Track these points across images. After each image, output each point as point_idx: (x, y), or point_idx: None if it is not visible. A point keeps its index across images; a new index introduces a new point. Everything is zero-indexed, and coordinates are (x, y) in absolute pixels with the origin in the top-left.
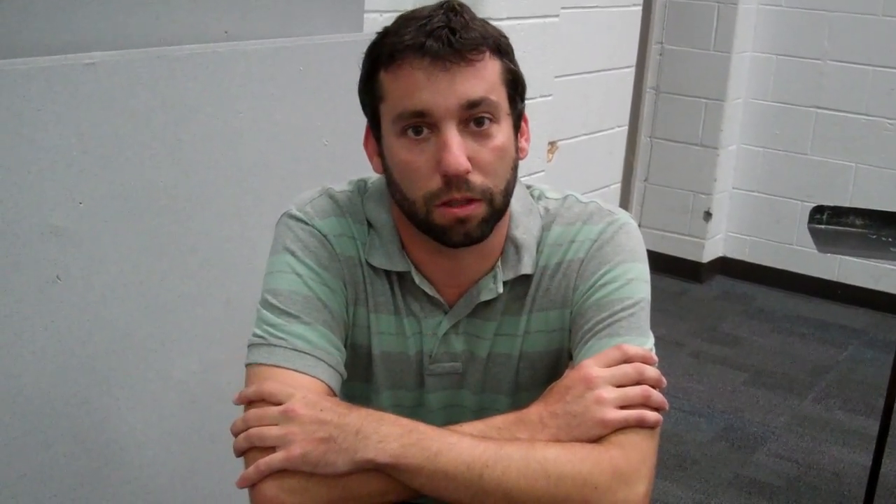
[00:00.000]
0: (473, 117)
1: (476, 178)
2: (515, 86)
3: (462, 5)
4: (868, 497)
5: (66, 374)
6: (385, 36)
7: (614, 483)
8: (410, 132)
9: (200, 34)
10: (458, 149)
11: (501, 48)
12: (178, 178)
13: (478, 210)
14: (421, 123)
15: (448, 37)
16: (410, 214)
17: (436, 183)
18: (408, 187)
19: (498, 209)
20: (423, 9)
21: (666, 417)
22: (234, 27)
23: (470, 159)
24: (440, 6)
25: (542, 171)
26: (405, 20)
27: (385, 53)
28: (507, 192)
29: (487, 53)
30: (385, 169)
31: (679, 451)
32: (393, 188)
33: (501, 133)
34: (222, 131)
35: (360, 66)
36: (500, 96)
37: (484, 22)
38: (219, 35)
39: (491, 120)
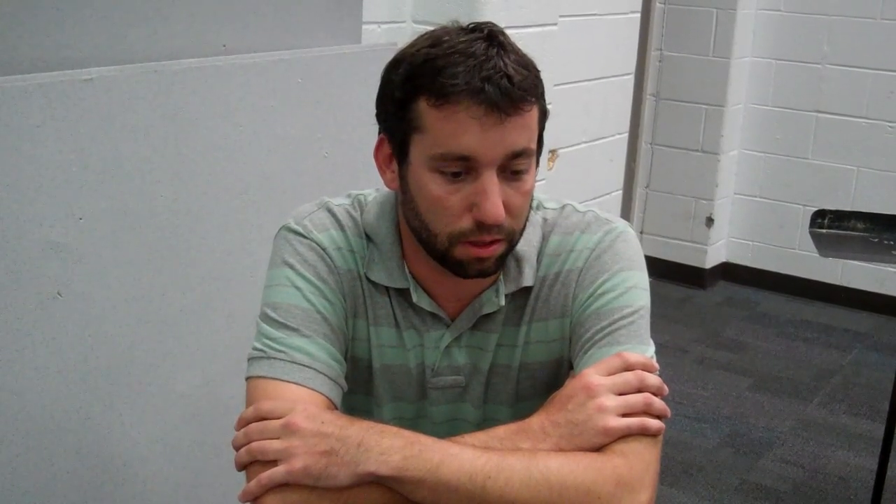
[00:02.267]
0: (512, 166)
1: (506, 222)
2: (543, 124)
3: (503, 34)
4: (875, 501)
5: (67, 389)
6: (429, 62)
7: (618, 492)
8: (449, 174)
9: (199, 48)
10: (498, 198)
11: (540, 90)
12: (178, 192)
13: (499, 249)
14: (462, 167)
15: (507, 86)
16: (428, 244)
17: (466, 223)
18: (432, 221)
19: (514, 245)
20: (461, 34)
21: (671, 424)
22: (233, 41)
23: (503, 204)
24: (485, 37)
25: (543, 179)
26: (453, 52)
27: (435, 88)
28: (524, 229)
29: (534, 101)
30: (403, 190)
31: (685, 457)
32: (411, 214)
33: (531, 177)
34: (222, 145)
35: (388, 79)
36: (535, 142)
37: (521, 53)
38: (217, 49)
39: (527, 167)
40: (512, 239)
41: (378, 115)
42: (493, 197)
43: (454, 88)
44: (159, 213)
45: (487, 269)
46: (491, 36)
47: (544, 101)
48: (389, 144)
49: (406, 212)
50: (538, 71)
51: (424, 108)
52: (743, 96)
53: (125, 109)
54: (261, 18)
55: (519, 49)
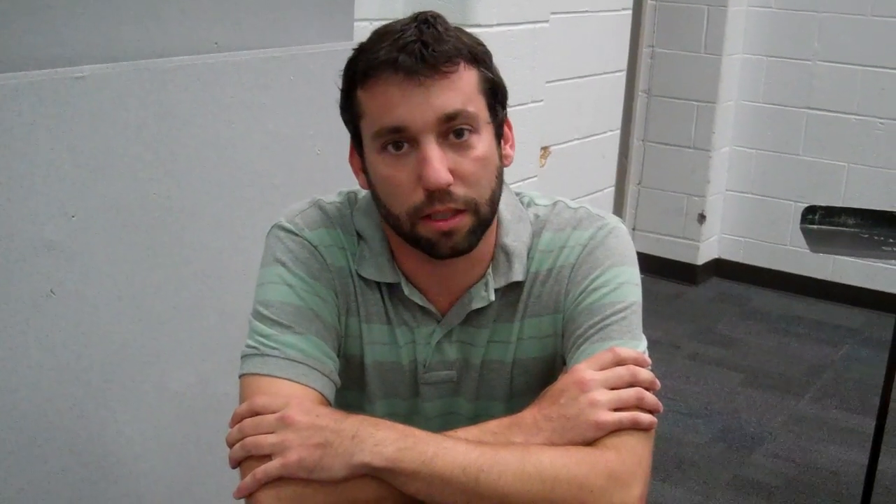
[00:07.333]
0: (452, 129)
1: (459, 190)
2: (495, 94)
3: (437, 16)
4: (865, 495)
5: (61, 387)
6: (360, 52)
7: (609, 486)
8: (390, 148)
9: (191, 46)
10: (438, 162)
11: (477, 57)
12: (170, 190)
13: (463, 221)
14: (400, 139)
15: (420, 51)
16: (396, 228)
17: (419, 197)
18: (391, 203)
19: (484, 219)
20: (397, 22)
21: (663, 419)
22: (225, 38)
23: (451, 171)
24: (414, 18)
25: (535, 176)
26: (379, 35)
27: (360, 70)
28: (493, 201)
29: (462, 64)
30: (370, 185)
31: (677, 452)
32: (378, 203)
33: (482, 143)
34: (214, 142)
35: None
36: (478, 106)
37: (459, 31)
38: (209, 46)
39: (470, 131)
40: (477, 210)
41: (343, 122)
42: (433, 161)
43: (374, 64)
44: (152, 210)
45: (459, 244)
46: (422, 17)
47: (488, 69)
48: (354, 146)
49: (377, 205)
50: (478, 42)
51: (360, 94)
52: (734, 93)
53: (117, 107)
54: (253, 16)
55: (456, 28)
